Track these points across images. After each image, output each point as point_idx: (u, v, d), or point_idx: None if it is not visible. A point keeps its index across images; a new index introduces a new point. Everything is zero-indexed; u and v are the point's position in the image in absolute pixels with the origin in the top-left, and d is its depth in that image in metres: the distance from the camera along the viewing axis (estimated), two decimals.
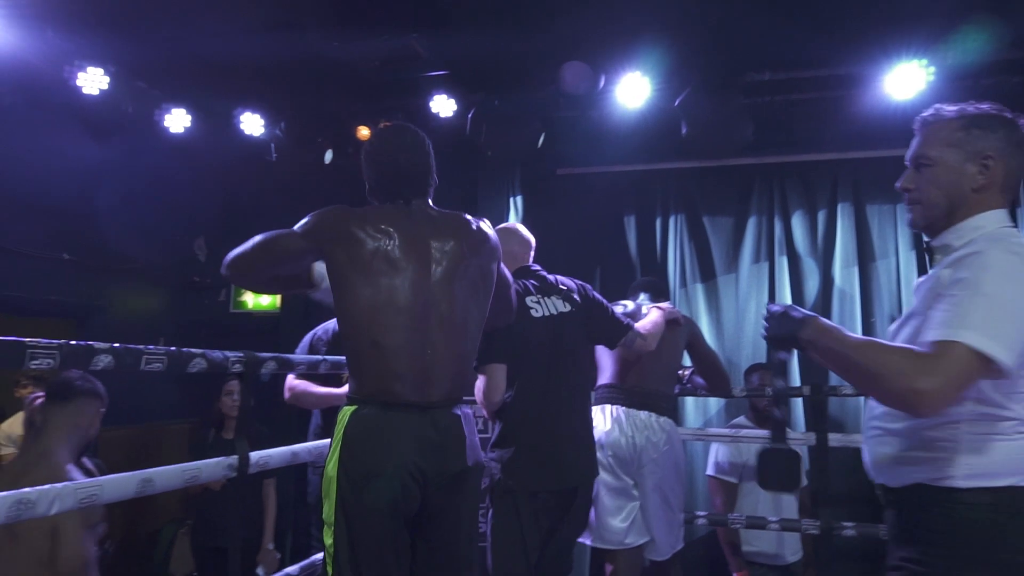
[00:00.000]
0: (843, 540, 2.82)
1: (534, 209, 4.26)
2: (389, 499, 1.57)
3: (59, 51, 3.30)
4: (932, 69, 3.47)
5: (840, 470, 3.36)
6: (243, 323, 4.69)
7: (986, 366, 1.16)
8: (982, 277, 1.22)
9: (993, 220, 1.33)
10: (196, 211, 4.70)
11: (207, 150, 4.16)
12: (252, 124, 4.06)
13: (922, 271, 3.80)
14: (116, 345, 1.51)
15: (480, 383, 2.24)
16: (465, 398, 1.79)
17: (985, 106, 1.38)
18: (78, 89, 3.41)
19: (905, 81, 3.48)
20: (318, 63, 3.70)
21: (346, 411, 1.63)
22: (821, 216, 4.00)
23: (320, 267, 1.83)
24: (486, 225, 1.82)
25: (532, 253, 2.51)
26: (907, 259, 3.83)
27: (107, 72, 3.45)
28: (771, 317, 1.42)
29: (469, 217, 1.80)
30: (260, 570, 3.08)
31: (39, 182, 3.54)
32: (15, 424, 4.06)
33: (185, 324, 4.58)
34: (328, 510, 1.59)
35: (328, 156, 4.07)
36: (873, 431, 1.40)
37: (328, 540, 1.60)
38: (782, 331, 1.39)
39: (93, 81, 3.43)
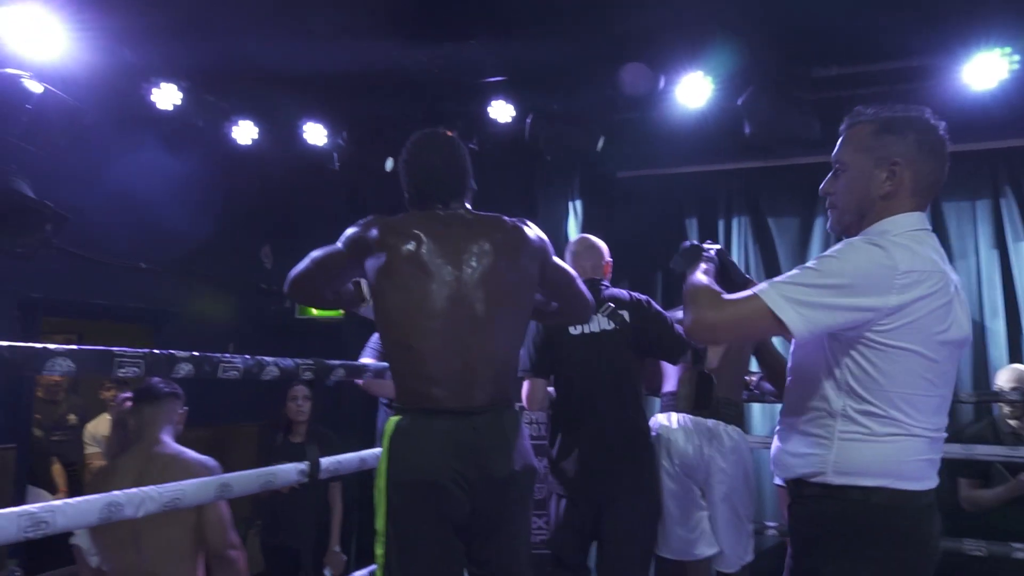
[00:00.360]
0: None
1: (594, 213, 4.23)
2: (434, 507, 1.56)
3: (136, 69, 3.45)
4: (1016, 57, 3.29)
5: None
6: (308, 328, 4.81)
7: (777, 324, 1.27)
8: (828, 255, 1.31)
9: (900, 224, 1.34)
10: (262, 220, 4.85)
11: (273, 160, 4.28)
12: (315, 134, 4.16)
13: (1005, 271, 3.61)
14: (195, 354, 1.57)
15: (525, 389, 2.39)
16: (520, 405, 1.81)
17: (901, 108, 1.39)
18: (153, 104, 3.55)
19: (985, 71, 3.32)
20: (378, 72, 3.77)
21: (391, 421, 1.64)
22: None
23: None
24: (528, 226, 1.77)
25: (604, 262, 2.52)
26: (988, 258, 3.64)
27: (180, 87, 3.59)
28: (680, 250, 1.64)
29: (506, 218, 1.75)
30: (327, 571, 3.14)
31: (119, 195, 3.70)
32: (100, 424, 4.27)
33: (253, 329, 4.73)
34: (379, 521, 1.59)
35: (388, 164, 4.13)
36: (777, 427, 1.51)
37: (379, 550, 1.60)
38: (679, 267, 1.61)
39: (167, 96, 3.58)
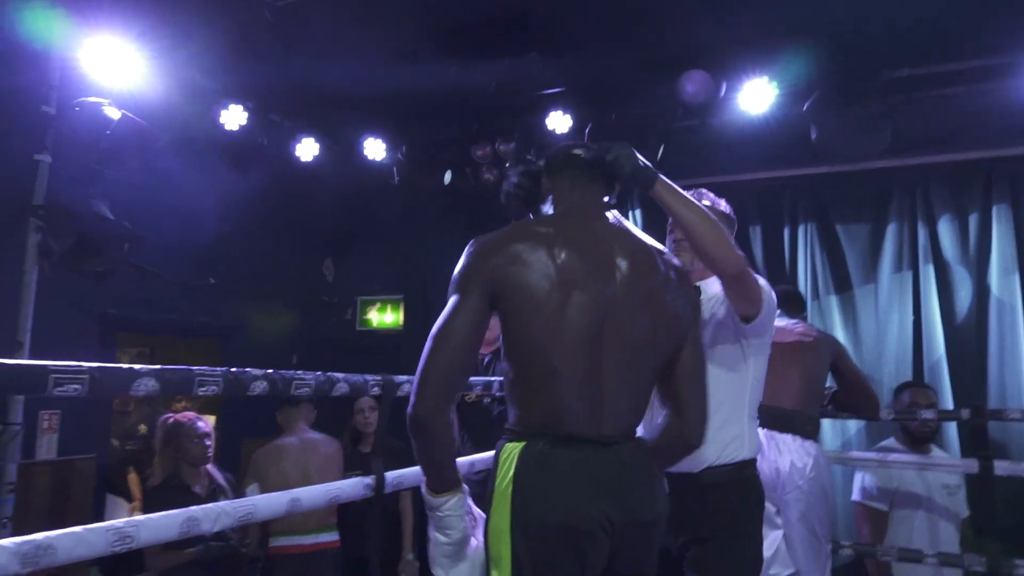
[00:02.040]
0: None
1: (654, 222, 4.13)
2: (578, 558, 1.30)
3: (205, 92, 3.57)
4: None
5: (1007, 502, 3.05)
6: (368, 340, 4.87)
7: (755, 299, 1.70)
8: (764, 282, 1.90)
9: None
10: (324, 234, 4.95)
11: (334, 176, 4.36)
12: (375, 150, 4.23)
13: None
14: (270, 372, 1.59)
15: None
16: None
17: (727, 205, 1.98)
18: (221, 126, 3.67)
19: None
20: (437, 88, 3.80)
21: (512, 448, 1.36)
22: (973, 220, 3.66)
23: None
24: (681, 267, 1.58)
25: None
26: None
27: (246, 108, 3.70)
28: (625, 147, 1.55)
29: (663, 248, 1.59)
30: None
31: (190, 214, 3.83)
32: None
33: (315, 341, 4.81)
34: (501, 571, 1.31)
35: (447, 177, 4.17)
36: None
37: None
38: (638, 179, 1.54)
39: (234, 117, 3.69)
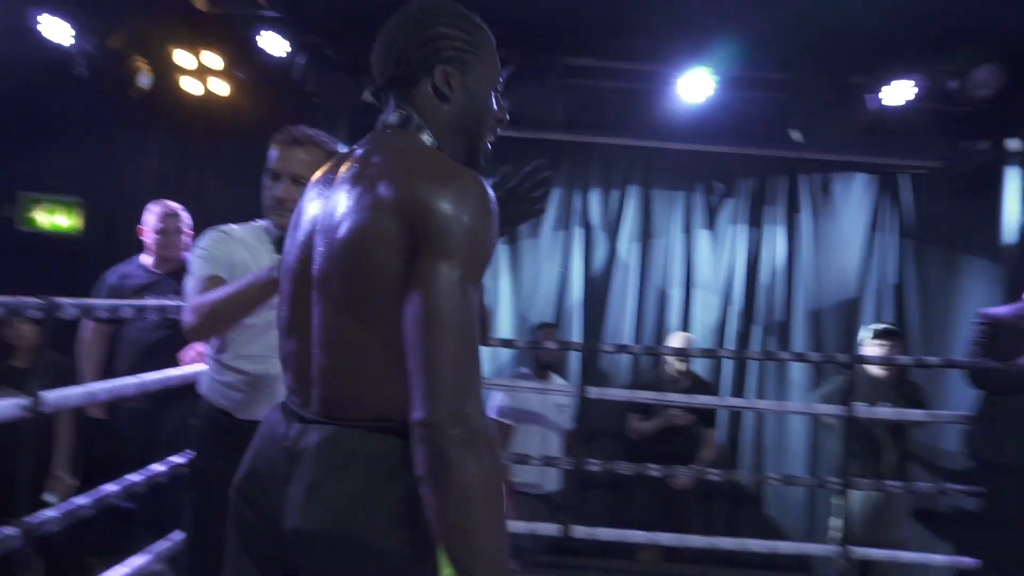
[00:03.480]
0: (591, 474, 3.45)
1: None
2: (232, 520, 1.15)
3: None
4: (717, 78, 4.00)
5: (598, 417, 4.02)
6: (34, 243, 4.42)
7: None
8: None
9: None
10: None
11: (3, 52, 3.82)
12: (56, 30, 3.76)
13: (687, 252, 4.48)
14: None
15: None
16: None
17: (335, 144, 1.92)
18: None
19: (695, 85, 4.00)
20: None
21: None
22: (614, 195, 4.54)
23: None
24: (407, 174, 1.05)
25: None
26: (679, 240, 4.50)
27: None
28: None
29: (398, 158, 1.10)
30: (50, 496, 3.07)
31: None
32: None
33: None
34: None
35: (144, 80, 3.91)
36: None
37: None
38: None
39: None
